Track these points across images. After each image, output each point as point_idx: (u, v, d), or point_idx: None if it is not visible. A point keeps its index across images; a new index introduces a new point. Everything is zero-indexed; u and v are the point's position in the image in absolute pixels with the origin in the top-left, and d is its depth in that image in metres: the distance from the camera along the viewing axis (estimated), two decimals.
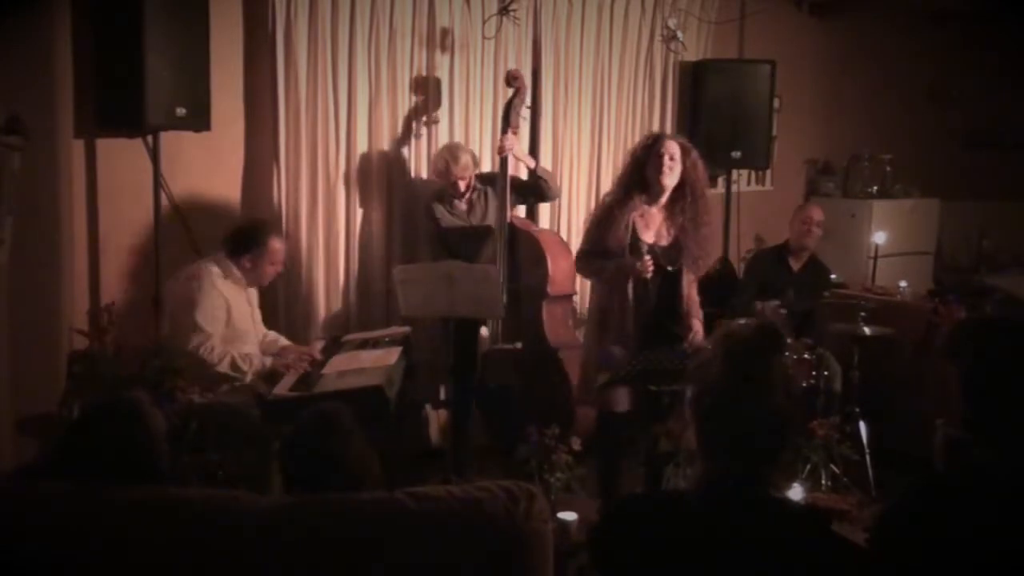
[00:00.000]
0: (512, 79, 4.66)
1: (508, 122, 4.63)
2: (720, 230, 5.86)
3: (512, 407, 4.40)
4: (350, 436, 2.32)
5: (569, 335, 4.72)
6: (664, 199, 3.91)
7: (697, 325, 3.93)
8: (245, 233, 4.10)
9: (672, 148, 3.87)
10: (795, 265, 5.15)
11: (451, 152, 4.59)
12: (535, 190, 4.70)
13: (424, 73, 4.87)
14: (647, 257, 3.80)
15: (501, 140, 4.60)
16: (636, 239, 3.87)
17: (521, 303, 4.56)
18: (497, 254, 4.51)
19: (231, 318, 3.95)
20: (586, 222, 4.24)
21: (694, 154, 3.90)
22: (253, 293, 4.18)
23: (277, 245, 4.11)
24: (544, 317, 4.53)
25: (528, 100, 4.82)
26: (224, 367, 3.83)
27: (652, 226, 3.94)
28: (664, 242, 3.93)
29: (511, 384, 4.47)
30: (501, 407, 4.53)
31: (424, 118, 4.91)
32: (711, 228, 3.99)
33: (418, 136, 4.91)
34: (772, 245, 5.44)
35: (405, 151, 4.91)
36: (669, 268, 3.90)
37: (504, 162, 4.57)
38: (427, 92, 4.89)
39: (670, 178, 3.86)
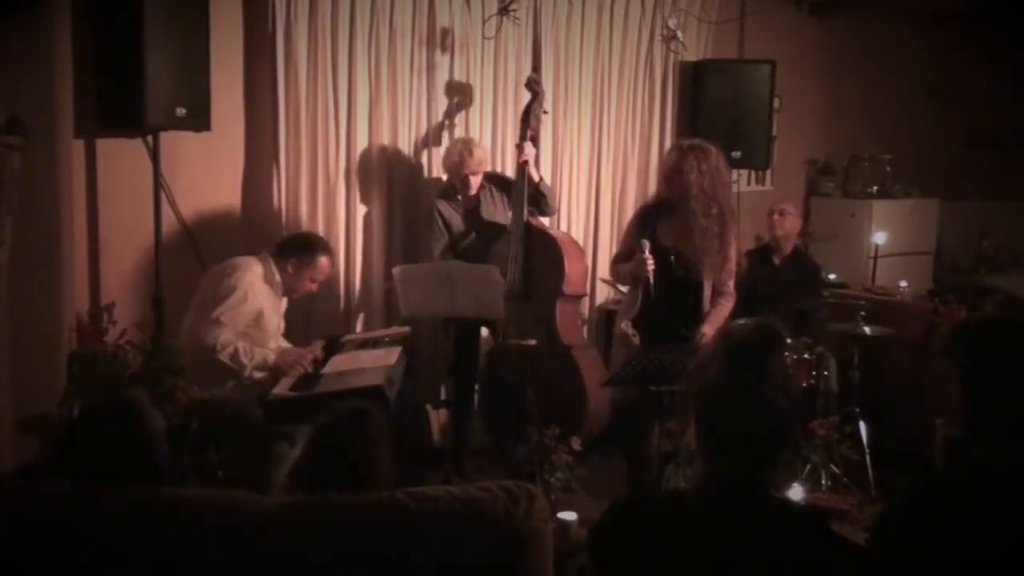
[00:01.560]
0: (533, 83, 4.68)
1: (528, 124, 4.64)
2: None
3: (521, 404, 4.41)
4: (378, 437, 2.33)
5: (580, 334, 4.77)
6: (684, 205, 3.88)
7: (708, 330, 3.87)
8: (300, 239, 4.22)
9: (671, 158, 3.92)
10: (778, 261, 5.15)
11: (466, 145, 4.57)
12: (533, 201, 4.68)
13: (424, 73, 4.87)
14: (645, 256, 3.81)
15: (520, 147, 4.60)
16: (646, 240, 3.88)
17: (536, 302, 4.57)
18: (510, 252, 4.51)
19: (261, 322, 3.94)
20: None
21: (691, 157, 3.86)
22: (284, 304, 4.18)
23: (325, 263, 4.12)
24: (558, 315, 4.54)
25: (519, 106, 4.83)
26: (225, 356, 3.79)
27: (672, 231, 3.94)
28: (680, 247, 3.92)
29: (525, 380, 4.48)
30: (507, 404, 4.53)
31: (447, 121, 4.95)
32: (718, 231, 3.90)
33: (449, 125, 4.96)
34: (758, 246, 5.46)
35: (406, 151, 4.91)
36: (679, 272, 3.90)
37: (521, 169, 4.57)
38: (449, 96, 4.94)
39: (669, 186, 3.90)
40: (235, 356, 3.81)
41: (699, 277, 3.92)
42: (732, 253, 3.98)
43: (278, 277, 4.04)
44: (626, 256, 4.04)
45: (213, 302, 3.86)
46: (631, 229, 4.12)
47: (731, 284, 4.01)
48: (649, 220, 4.00)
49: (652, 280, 3.83)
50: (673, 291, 3.90)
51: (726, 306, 4.00)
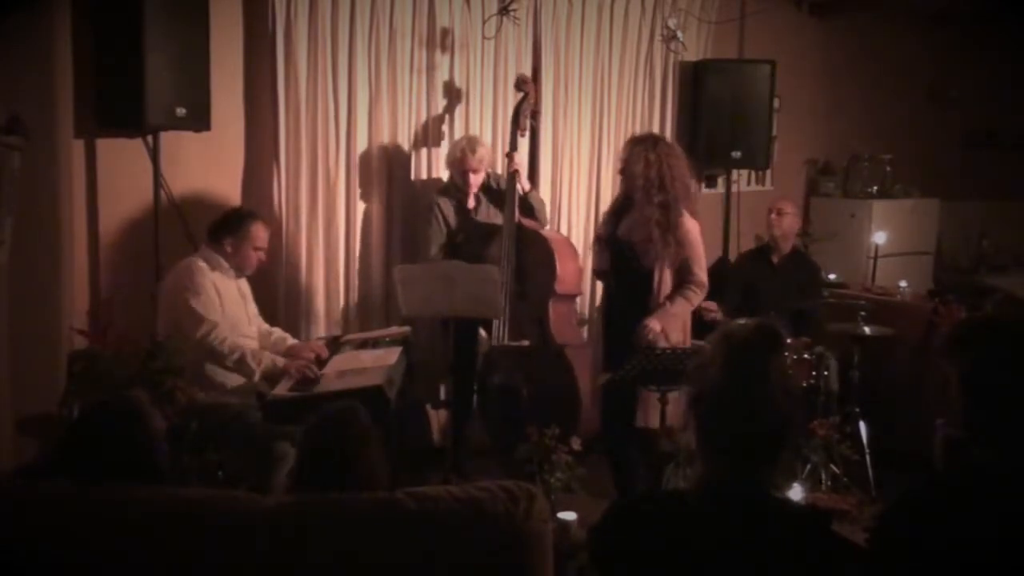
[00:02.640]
0: (522, 83, 4.67)
1: (518, 125, 4.64)
2: (720, 230, 5.87)
3: (516, 405, 4.41)
4: (368, 436, 2.33)
5: (575, 334, 4.75)
6: (637, 196, 3.94)
7: (652, 323, 3.89)
8: (226, 216, 4.12)
9: (624, 150, 4.00)
10: (776, 260, 5.14)
11: (470, 143, 4.60)
12: (525, 211, 4.69)
13: (424, 73, 4.87)
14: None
15: (510, 157, 4.62)
16: (608, 234, 4.00)
17: (528, 302, 4.57)
18: (505, 254, 4.52)
19: (223, 307, 3.92)
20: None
21: (638, 148, 3.92)
22: (244, 284, 4.15)
23: (259, 230, 4.06)
24: (551, 316, 4.54)
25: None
26: (232, 362, 3.78)
27: (630, 222, 3.99)
28: (633, 238, 3.96)
29: (518, 381, 4.48)
30: (503, 406, 4.54)
31: (447, 121, 4.96)
32: (670, 217, 3.91)
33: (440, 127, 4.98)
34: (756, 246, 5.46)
35: (405, 151, 4.92)
36: (633, 264, 3.96)
37: (512, 177, 4.59)
38: (449, 96, 4.94)
39: (623, 180, 4.00)
40: (243, 361, 3.79)
41: (649, 267, 3.93)
42: (688, 240, 3.94)
43: (223, 262, 4.00)
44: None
45: (186, 312, 3.82)
46: (601, 224, 4.22)
47: (700, 273, 3.99)
48: (616, 214, 4.08)
49: (609, 275, 3.95)
50: (630, 282, 3.96)
51: (690, 297, 3.97)
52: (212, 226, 4.08)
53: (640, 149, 3.91)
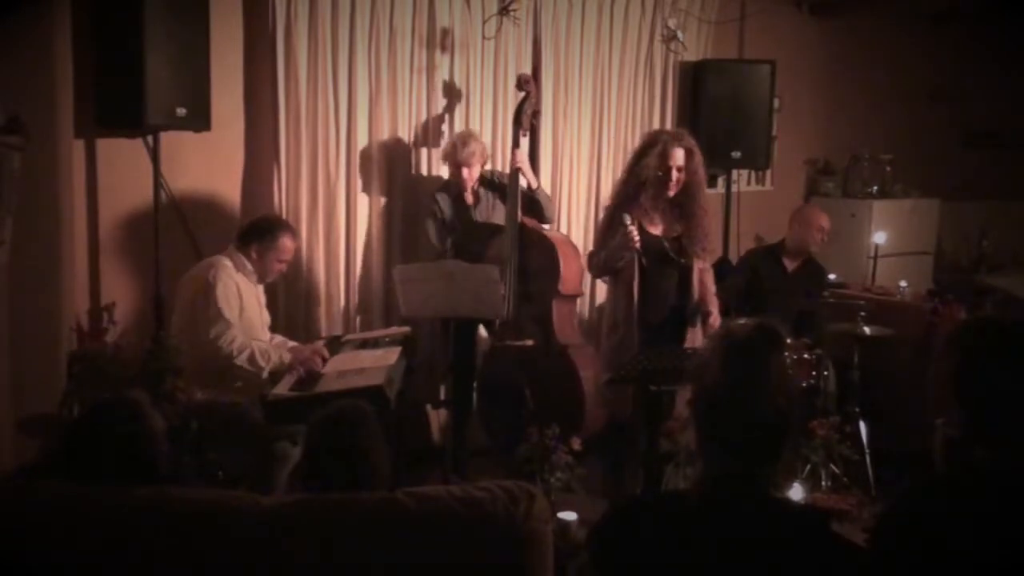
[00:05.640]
0: (524, 83, 4.67)
1: (520, 125, 4.64)
2: (720, 230, 5.87)
3: (517, 404, 4.41)
4: (377, 434, 2.34)
5: (576, 334, 4.75)
6: (669, 195, 4.04)
7: (715, 312, 4.08)
8: (258, 224, 4.15)
9: (679, 159, 4.01)
10: (790, 265, 5.12)
11: (461, 137, 4.63)
12: (531, 206, 4.69)
13: (424, 73, 4.87)
14: (630, 228, 3.87)
15: (513, 153, 4.62)
16: (627, 214, 3.96)
17: (532, 302, 4.57)
18: (506, 252, 4.51)
19: (242, 311, 3.93)
20: (597, 229, 4.45)
21: (698, 157, 4.05)
22: (261, 291, 4.16)
23: (287, 242, 4.08)
24: (554, 316, 4.54)
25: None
26: (242, 360, 3.79)
27: (657, 222, 4.04)
28: (672, 235, 4.06)
29: (521, 380, 4.48)
30: (503, 406, 4.53)
31: (447, 121, 4.96)
32: (710, 217, 4.15)
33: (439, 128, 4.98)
34: (767, 244, 5.43)
35: (405, 150, 4.92)
36: (681, 260, 4.04)
37: (515, 174, 4.59)
38: (448, 96, 4.95)
39: (676, 189, 4.03)
40: (252, 359, 3.80)
41: (691, 261, 4.08)
42: (707, 226, 4.18)
43: (249, 266, 4.02)
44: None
45: (204, 306, 3.82)
46: (608, 226, 4.14)
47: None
48: (627, 215, 4.01)
49: (640, 249, 3.91)
50: (676, 281, 4.05)
51: (712, 273, 4.24)
52: (243, 229, 4.12)
53: (697, 154, 4.05)
